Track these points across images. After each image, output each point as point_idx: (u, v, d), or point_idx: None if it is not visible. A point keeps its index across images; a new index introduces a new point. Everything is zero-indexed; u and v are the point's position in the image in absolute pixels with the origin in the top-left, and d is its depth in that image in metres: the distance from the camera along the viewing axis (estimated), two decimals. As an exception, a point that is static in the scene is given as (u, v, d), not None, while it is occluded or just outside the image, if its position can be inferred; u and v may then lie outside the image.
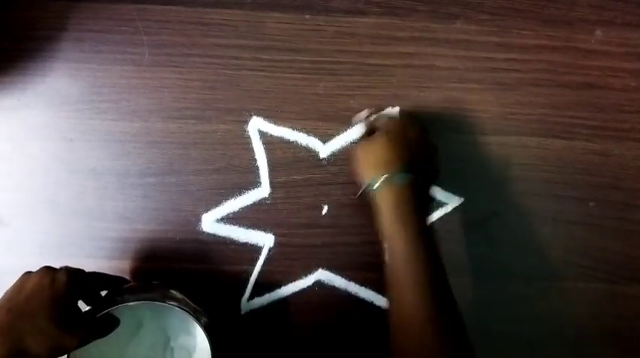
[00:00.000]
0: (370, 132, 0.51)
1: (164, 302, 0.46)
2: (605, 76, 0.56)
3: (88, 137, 0.54)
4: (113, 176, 0.54)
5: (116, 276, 0.49)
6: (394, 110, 0.54)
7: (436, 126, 0.55)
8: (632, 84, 0.56)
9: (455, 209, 0.56)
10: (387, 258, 0.43)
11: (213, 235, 0.55)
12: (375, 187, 0.46)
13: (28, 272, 0.43)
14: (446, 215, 0.56)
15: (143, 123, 0.54)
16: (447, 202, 0.56)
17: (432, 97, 0.55)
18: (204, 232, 0.55)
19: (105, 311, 0.43)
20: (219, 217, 0.55)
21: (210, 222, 0.55)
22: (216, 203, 0.55)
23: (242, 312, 0.55)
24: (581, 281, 0.56)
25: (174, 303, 0.46)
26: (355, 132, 0.54)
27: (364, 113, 0.53)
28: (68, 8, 0.54)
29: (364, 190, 0.47)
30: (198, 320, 0.46)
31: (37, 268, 0.44)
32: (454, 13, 0.56)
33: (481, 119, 0.56)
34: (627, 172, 0.56)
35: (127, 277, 0.54)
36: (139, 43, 0.54)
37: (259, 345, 0.55)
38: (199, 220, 0.54)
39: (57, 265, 0.53)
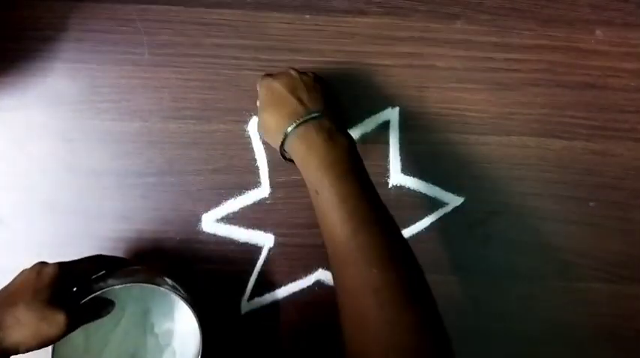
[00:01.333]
0: None
1: (148, 283, 0.46)
2: (605, 76, 0.56)
3: (87, 137, 0.54)
4: (113, 176, 0.54)
5: (115, 257, 0.49)
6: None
7: (436, 126, 0.55)
8: (632, 84, 0.56)
9: (455, 209, 0.56)
10: (316, 207, 0.42)
11: (213, 235, 0.55)
12: (285, 148, 0.45)
13: (25, 269, 0.44)
14: (446, 215, 0.56)
15: (143, 123, 0.54)
16: (447, 202, 0.56)
17: (432, 97, 0.55)
18: (204, 232, 0.55)
19: (90, 297, 0.43)
20: (219, 217, 0.55)
21: (210, 222, 0.55)
22: (216, 203, 0.55)
23: (242, 312, 0.55)
24: (581, 281, 0.56)
25: (164, 285, 0.46)
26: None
27: None
28: (68, 8, 0.54)
29: (284, 157, 0.46)
30: (187, 302, 0.46)
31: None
32: (454, 13, 0.56)
33: (481, 119, 0.56)
34: (627, 172, 0.56)
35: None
36: (139, 43, 0.54)
37: (259, 345, 0.55)
38: (199, 220, 0.54)
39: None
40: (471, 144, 0.56)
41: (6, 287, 0.42)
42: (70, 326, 0.40)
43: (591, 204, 0.56)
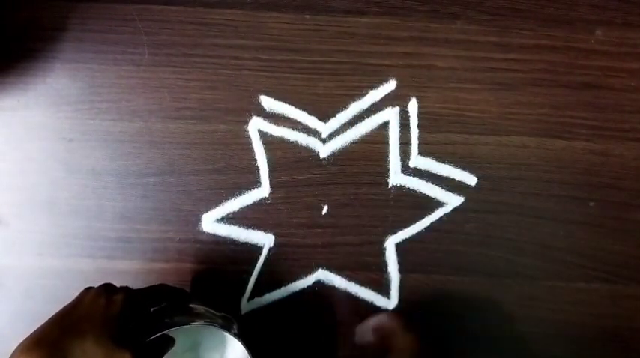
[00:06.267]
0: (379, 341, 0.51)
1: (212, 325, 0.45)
2: (605, 76, 0.56)
3: (87, 137, 0.54)
4: (113, 176, 0.54)
5: (177, 289, 0.48)
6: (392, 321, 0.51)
7: (436, 126, 0.55)
8: (632, 84, 0.56)
9: (455, 209, 0.56)
10: None
11: (213, 235, 0.55)
12: None
13: (89, 288, 0.42)
14: (446, 215, 0.56)
15: (143, 123, 0.54)
16: (447, 202, 0.56)
17: (432, 97, 0.55)
18: (204, 232, 0.55)
19: (159, 334, 0.42)
20: (219, 217, 0.55)
21: (210, 222, 0.55)
22: (216, 203, 0.55)
23: (242, 312, 0.55)
24: (581, 281, 0.56)
25: (226, 327, 0.45)
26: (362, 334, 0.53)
27: (369, 325, 0.52)
28: (68, 8, 0.54)
29: None
30: (243, 342, 0.45)
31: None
32: (454, 13, 0.56)
33: (481, 119, 0.56)
34: (627, 172, 0.56)
35: (128, 278, 0.54)
36: (139, 43, 0.54)
37: (259, 345, 0.55)
38: (199, 220, 0.54)
39: (56, 265, 0.54)
40: (471, 144, 0.56)
41: (72, 311, 0.40)
42: None
43: (591, 204, 0.56)
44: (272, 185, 0.55)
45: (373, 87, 0.55)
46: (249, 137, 0.55)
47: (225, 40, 0.55)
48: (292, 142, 0.55)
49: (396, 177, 0.55)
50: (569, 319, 0.56)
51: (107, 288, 0.42)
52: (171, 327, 0.42)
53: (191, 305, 0.47)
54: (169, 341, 0.43)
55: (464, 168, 0.56)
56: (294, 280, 0.55)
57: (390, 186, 0.55)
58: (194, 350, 0.50)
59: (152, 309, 0.45)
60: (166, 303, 0.46)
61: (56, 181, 0.54)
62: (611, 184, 0.56)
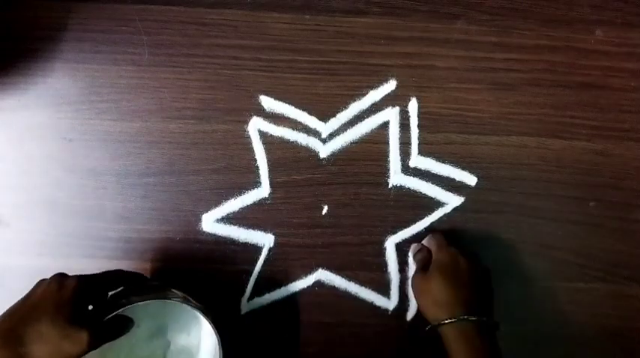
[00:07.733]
0: (424, 263, 0.52)
1: (171, 300, 0.45)
2: (605, 76, 0.56)
3: (87, 137, 0.54)
4: (113, 176, 0.54)
5: (134, 273, 0.49)
6: (436, 238, 0.53)
7: (436, 126, 0.55)
8: (632, 84, 0.56)
9: (455, 209, 0.56)
10: None
11: (213, 235, 0.55)
12: (440, 328, 0.48)
13: (43, 280, 0.43)
14: (446, 215, 0.56)
15: (143, 123, 0.54)
16: (447, 202, 0.56)
17: (432, 97, 0.55)
18: (204, 232, 0.55)
19: (113, 314, 0.42)
20: (219, 217, 0.55)
21: (210, 222, 0.55)
22: (216, 203, 0.55)
23: (242, 312, 0.55)
24: (581, 282, 0.56)
25: (186, 301, 0.45)
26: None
27: (414, 248, 0.55)
28: (68, 8, 0.54)
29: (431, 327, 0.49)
30: (208, 317, 0.45)
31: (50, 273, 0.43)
32: (454, 13, 0.56)
33: (481, 119, 0.56)
34: (627, 172, 0.56)
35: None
36: (139, 43, 0.54)
37: (259, 345, 0.55)
38: (199, 220, 0.54)
39: (56, 265, 0.54)
40: (471, 144, 0.56)
41: (25, 300, 0.41)
42: (92, 345, 0.39)
43: (591, 204, 0.56)
44: (272, 185, 0.55)
45: (373, 87, 0.55)
46: (249, 137, 0.55)
47: (225, 40, 0.55)
48: (292, 142, 0.55)
49: (396, 177, 0.55)
50: (569, 319, 0.56)
51: (59, 276, 0.43)
52: (127, 306, 0.43)
53: (173, 290, 0.47)
54: (128, 322, 0.43)
55: (464, 168, 0.56)
56: (294, 280, 0.55)
57: (390, 186, 0.55)
58: (161, 333, 0.51)
59: (110, 293, 0.45)
60: (124, 287, 0.46)
61: (56, 181, 0.54)
62: (611, 184, 0.56)
